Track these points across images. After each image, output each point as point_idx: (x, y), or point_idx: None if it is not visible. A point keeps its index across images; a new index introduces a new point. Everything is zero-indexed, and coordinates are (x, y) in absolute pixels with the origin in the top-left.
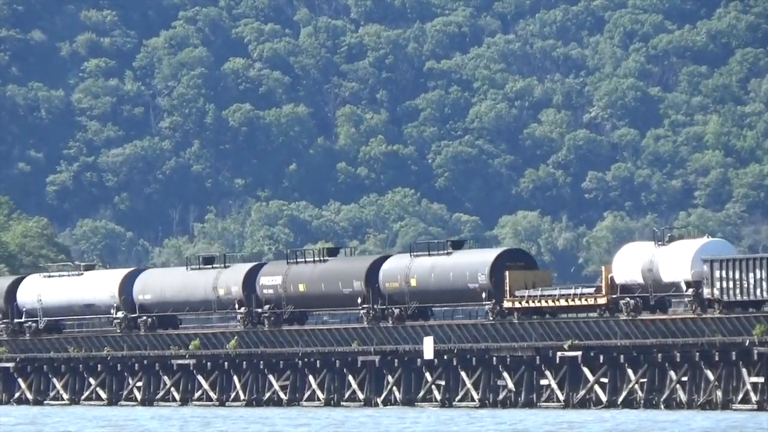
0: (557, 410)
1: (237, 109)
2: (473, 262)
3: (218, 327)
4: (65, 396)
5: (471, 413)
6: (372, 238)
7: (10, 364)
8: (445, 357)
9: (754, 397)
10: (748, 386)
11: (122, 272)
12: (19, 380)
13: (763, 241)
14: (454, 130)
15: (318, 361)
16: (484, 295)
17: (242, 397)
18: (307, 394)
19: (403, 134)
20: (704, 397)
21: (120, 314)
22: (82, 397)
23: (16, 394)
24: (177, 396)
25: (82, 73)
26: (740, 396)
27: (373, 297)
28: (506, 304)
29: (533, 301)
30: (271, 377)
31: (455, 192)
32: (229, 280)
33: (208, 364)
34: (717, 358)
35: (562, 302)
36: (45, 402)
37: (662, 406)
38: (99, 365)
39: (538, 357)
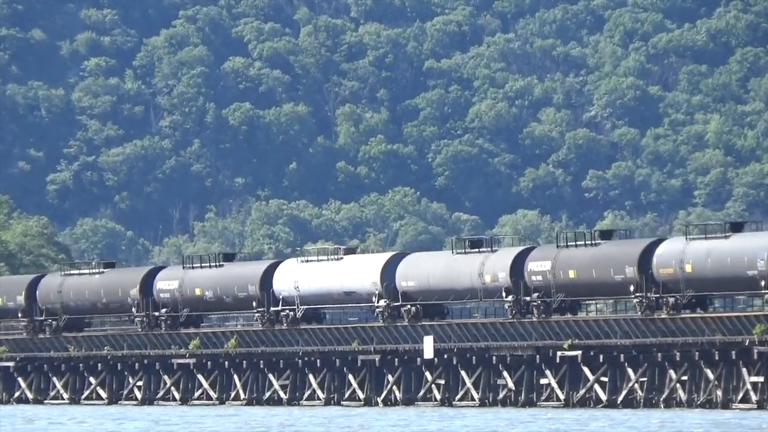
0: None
1: (237, 108)
2: (753, 246)
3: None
4: (65, 395)
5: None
6: (372, 238)
7: (10, 364)
8: (445, 356)
9: (754, 397)
10: (748, 386)
11: (384, 256)
12: (19, 379)
13: None
14: (454, 129)
15: (318, 361)
16: (763, 283)
17: (242, 396)
18: (307, 394)
19: (403, 133)
20: (704, 396)
21: (382, 303)
22: (83, 397)
23: (16, 394)
24: (177, 395)
25: (82, 72)
26: (740, 395)
27: (646, 285)
28: None
29: None
30: (271, 376)
31: (455, 191)
32: (496, 265)
33: (208, 363)
34: (717, 358)
35: None
36: (45, 401)
37: (662, 406)
38: (99, 364)
39: (538, 356)
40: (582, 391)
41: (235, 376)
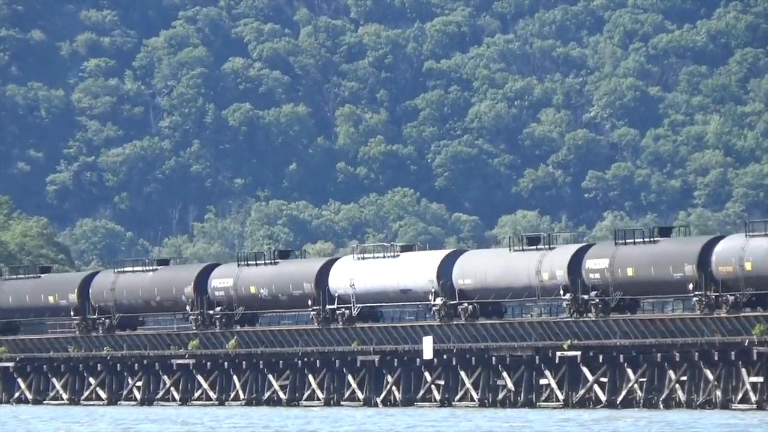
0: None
1: (237, 109)
2: None
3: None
4: (65, 396)
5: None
6: (371, 238)
7: (10, 364)
8: (445, 357)
9: (753, 397)
10: (748, 386)
11: (441, 254)
12: (19, 380)
13: None
14: (453, 129)
15: (317, 361)
16: None
17: (242, 396)
18: (306, 394)
19: (403, 134)
20: (704, 396)
21: (439, 301)
22: (82, 397)
23: (16, 394)
24: (177, 396)
25: (81, 72)
26: (740, 396)
27: (705, 283)
28: None
29: None
30: (270, 377)
31: (455, 192)
32: (554, 263)
33: (208, 363)
34: (716, 358)
35: None
36: (44, 402)
37: (661, 406)
38: (98, 365)
39: (537, 357)
40: (581, 392)
41: (235, 377)
